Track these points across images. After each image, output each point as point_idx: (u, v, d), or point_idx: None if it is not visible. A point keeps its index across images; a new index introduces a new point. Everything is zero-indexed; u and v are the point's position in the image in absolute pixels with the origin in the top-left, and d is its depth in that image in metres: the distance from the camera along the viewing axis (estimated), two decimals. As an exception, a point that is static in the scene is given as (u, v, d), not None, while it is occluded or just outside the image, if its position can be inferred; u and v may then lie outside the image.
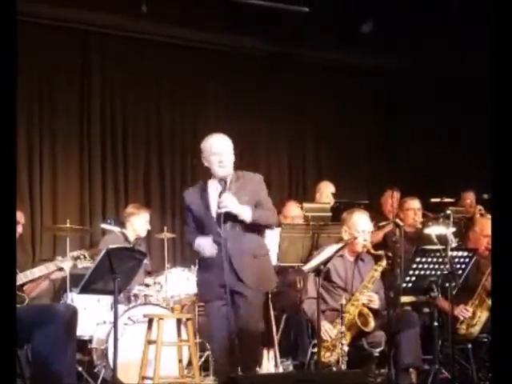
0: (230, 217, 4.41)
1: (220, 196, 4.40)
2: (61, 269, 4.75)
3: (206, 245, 4.46)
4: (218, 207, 4.39)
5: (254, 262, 4.49)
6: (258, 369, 5.06)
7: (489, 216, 6.32)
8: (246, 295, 4.42)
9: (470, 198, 7.26)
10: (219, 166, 4.47)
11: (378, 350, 5.14)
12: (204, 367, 6.13)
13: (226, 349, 4.41)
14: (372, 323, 5.14)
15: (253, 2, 7.40)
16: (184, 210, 4.73)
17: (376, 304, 5.23)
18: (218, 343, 4.50)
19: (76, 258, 4.83)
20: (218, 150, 4.49)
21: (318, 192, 7.27)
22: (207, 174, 4.62)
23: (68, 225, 6.26)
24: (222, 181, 4.49)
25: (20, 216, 4.84)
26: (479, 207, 6.98)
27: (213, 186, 4.54)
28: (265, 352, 5.67)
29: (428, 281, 5.08)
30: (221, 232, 4.39)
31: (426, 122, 8.34)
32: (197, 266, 4.78)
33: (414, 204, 6.72)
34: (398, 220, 5.70)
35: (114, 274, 4.53)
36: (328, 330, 5.12)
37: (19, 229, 4.85)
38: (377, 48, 8.20)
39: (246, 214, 4.42)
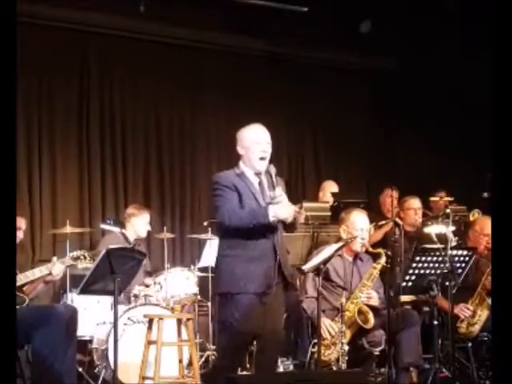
0: None
1: (274, 190, 4.27)
2: (50, 273, 4.73)
3: (283, 207, 4.24)
4: (273, 201, 4.23)
5: (287, 257, 4.47)
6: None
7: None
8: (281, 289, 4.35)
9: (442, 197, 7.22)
10: (262, 157, 4.34)
11: (378, 349, 5.16)
12: (204, 367, 6.14)
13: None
14: (372, 320, 5.16)
15: (253, 1, 7.40)
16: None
17: (375, 302, 5.25)
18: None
19: (76, 259, 4.84)
20: (265, 139, 4.37)
21: (322, 191, 7.27)
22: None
23: (68, 226, 6.27)
24: (260, 174, 4.37)
25: (21, 221, 4.83)
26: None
27: (252, 176, 4.38)
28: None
29: (428, 280, 5.09)
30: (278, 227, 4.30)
31: (426, 122, 8.34)
32: (229, 257, 4.33)
33: (415, 203, 6.72)
34: (397, 219, 5.70)
35: (114, 274, 4.54)
36: (328, 326, 5.13)
37: (20, 235, 4.84)
38: (377, 48, 8.20)
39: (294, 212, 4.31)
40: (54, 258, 4.84)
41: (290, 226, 4.40)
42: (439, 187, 7.24)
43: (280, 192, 4.27)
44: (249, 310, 4.21)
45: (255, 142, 4.35)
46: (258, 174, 4.39)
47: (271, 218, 4.19)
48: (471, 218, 6.43)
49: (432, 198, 6.83)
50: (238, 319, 4.20)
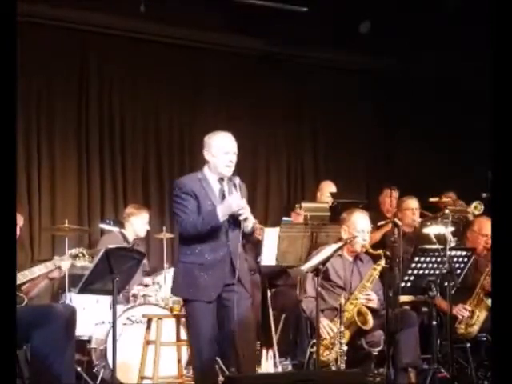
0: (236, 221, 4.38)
1: (233, 199, 4.35)
2: (59, 267, 4.76)
3: (233, 199, 4.32)
4: (237, 212, 4.31)
5: (245, 264, 4.51)
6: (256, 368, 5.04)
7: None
8: (244, 294, 4.42)
9: (451, 197, 7.23)
10: (228, 165, 4.42)
11: (377, 349, 5.16)
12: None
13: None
14: (371, 322, 5.16)
15: (253, 1, 7.40)
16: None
17: (374, 303, 5.24)
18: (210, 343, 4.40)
19: (75, 256, 4.84)
20: (232, 149, 4.44)
21: (320, 191, 7.28)
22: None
23: (66, 225, 6.27)
24: (223, 179, 4.45)
25: (18, 218, 4.83)
26: (461, 202, 6.96)
27: (214, 182, 4.47)
28: (264, 352, 5.67)
29: (427, 280, 5.09)
30: (229, 234, 4.38)
31: (426, 122, 8.34)
32: (184, 263, 4.43)
33: (412, 204, 6.72)
34: (396, 219, 5.69)
35: (113, 274, 4.54)
36: (327, 327, 5.13)
37: (17, 231, 4.84)
38: (377, 48, 8.20)
39: (252, 223, 4.43)
40: (57, 257, 4.86)
41: (248, 235, 4.51)
42: (439, 187, 7.22)
43: (243, 204, 4.35)
44: (201, 316, 4.32)
45: (224, 151, 4.42)
46: (220, 180, 4.47)
47: (221, 219, 4.30)
48: (472, 209, 6.42)
49: (431, 199, 6.81)
50: (192, 324, 4.38)
